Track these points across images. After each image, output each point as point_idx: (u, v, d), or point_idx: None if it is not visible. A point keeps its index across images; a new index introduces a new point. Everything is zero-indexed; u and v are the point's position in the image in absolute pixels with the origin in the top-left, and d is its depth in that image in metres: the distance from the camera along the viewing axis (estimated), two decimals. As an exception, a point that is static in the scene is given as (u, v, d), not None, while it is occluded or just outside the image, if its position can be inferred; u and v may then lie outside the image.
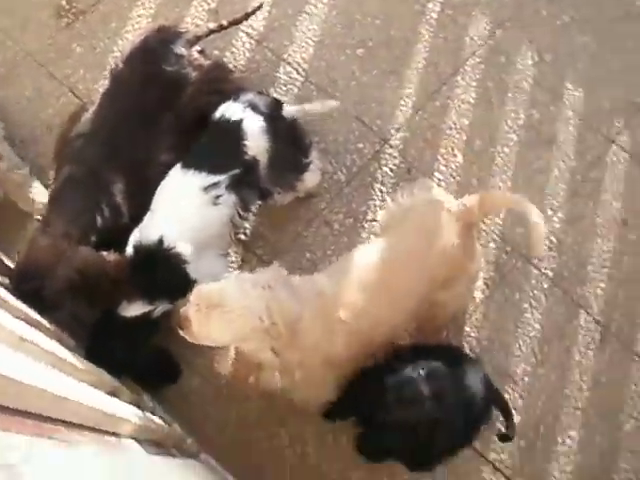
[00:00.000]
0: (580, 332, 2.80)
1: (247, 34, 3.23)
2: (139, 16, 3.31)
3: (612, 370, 2.76)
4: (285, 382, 2.21)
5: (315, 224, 2.93)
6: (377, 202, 2.94)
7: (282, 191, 2.71)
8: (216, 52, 3.17)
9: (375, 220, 2.89)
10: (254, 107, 2.52)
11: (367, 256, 2.28)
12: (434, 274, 2.24)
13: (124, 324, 2.44)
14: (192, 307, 2.03)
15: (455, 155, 3.03)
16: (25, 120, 3.13)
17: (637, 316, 2.84)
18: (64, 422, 1.30)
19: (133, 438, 1.75)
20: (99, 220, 2.45)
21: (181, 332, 2.10)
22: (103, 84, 2.78)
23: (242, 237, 2.89)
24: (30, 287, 2.23)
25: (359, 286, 2.18)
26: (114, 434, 1.63)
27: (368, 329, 2.19)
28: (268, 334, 2.07)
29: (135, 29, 3.27)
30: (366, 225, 2.90)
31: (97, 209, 2.45)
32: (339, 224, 2.93)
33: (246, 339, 2.09)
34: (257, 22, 3.24)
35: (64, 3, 3.36)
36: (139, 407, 2.28)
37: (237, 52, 3.20)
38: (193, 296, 2.05)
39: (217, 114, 2.53)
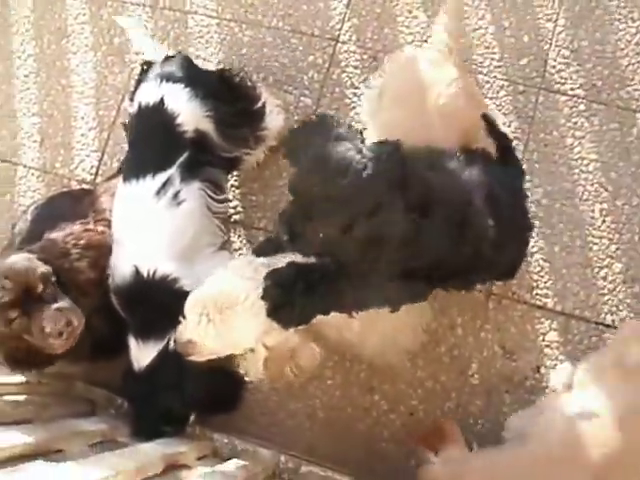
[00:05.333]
0: (647, 138, 2.44)
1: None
2: (21, 45, 2.92)
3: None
4: (349, 340, 2.01)
5: (304, 165, 2.55)
6: (358, 109, 2.57)
7: (249, 150, 2.35)
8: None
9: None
10: (168, 77, 2.15)
11: None
12: (443, 134, 1.97)
13: (150, 375, 2.12)
14: (197, 320, 1.74)
15: (416, 16, 2.65)
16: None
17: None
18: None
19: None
20: None
21: (192, 357, 1.82)
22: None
23: (236, 218, 2.56)
24: None
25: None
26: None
27: None
28: None
29: (24, 61, 2.90)
30: (360, 136, 2.53)
31: None
32: (329, 151, 2.54)
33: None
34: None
35: None
36: (215, 455, 2.19)
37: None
38: (192, 308, 1.76)
39: (134, 106, 2.17)
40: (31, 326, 1.92)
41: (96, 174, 2.71)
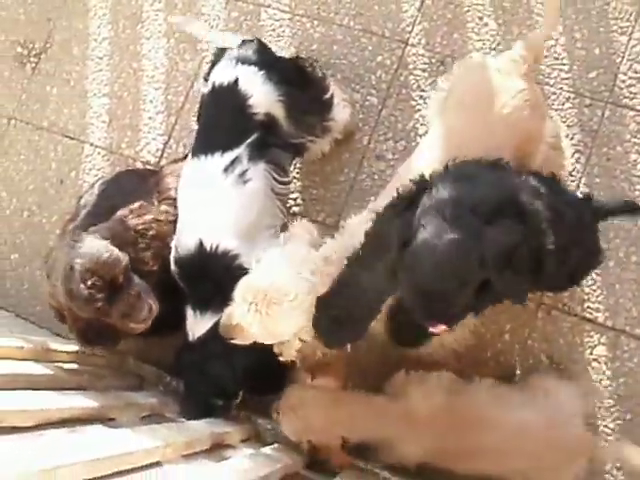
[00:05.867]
0: None
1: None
2: (98, 28, 2.99)
3: None
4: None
5: (367, 163, 2.59)
6: (423, 111, 2.57)
7: (315, 139, 2.37)
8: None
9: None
10: (244, 60, 2.19)
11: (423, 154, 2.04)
12: (504, 142, 1.95)
13: (203, 346, 2.15)
14: (246, 307, 1.78)
15: (486, 24, 2.62)
16: (34, 184, 2.92)
17: None
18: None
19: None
20: None
21: (235, 340, 1.87)
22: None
23: (295, 210, 2.59)
24: None
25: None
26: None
27: None
28: None
29: (99, 44, 2.97)
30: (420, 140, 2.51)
31: None
32: (392, 152, 2.58)
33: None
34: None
35: (20, 50, 3.07)
36: (258, 439, 2.24)
37: (208, 15, 2.90)
38: (243, 294, 1.80)
39: (208, 85, 2.22)
40: (112, 311, 2.01)
41: (161, 157, 2.76)
